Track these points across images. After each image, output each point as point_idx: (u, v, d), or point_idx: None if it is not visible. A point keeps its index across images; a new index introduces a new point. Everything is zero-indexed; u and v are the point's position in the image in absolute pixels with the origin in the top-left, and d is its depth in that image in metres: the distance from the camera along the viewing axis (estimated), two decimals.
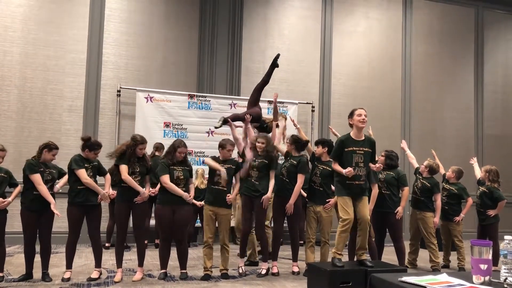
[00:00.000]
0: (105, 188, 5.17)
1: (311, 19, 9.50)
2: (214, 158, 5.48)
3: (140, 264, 5.27)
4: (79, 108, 8.02)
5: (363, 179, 4.60)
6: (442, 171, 6.50)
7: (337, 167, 4.68)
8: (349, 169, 4.48)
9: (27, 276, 5.01)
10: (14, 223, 5.09)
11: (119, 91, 8.08)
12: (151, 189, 5.68)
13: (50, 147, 5.02)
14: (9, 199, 4.91)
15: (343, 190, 4.60)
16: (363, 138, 4.67)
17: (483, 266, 2.41)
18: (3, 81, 7.68)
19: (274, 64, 6.44)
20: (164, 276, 5.24)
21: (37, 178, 4.84)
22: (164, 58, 8.54)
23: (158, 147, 7.47)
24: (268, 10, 9.24)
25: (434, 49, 10.36)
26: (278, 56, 6.50)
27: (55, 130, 7.84)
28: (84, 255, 6.49)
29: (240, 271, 5.62)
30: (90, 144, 5.11)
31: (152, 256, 6.63)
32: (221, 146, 5.47)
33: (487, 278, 2.42)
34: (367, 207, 4.70)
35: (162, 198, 5.22)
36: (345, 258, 5.23)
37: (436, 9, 10.43)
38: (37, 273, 5.06)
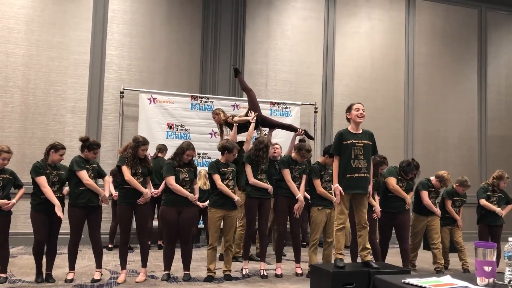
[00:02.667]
0: (105, 190, 5.18)
1: (314, 20, 9.50)
2: (216, 162, 5.47)
3: (143, 265, 5.27)
4: (82, 110, 8.04)
5: (364, 171, 4.59)
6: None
7: (336, 166, 4.69)
8: (337, 188, 4.56)
9: (39, 276, 5.02)
10: (18, 224, 5.11)
11: (122, 92, 8.10)
12: (153, 190, 5.67)
13: (57, 147, 5.03)
14: (13, 200, 4.92)
15: (343, 184, 4.59)
16: (361, 131, 4.70)
17: (487, 268, 2.40)
18: (7, 82, 7.70)
19: (236, 72, 6.95)
20: (168, 277, 5.24)
21: (42, 180, 4.86)
22: (167, 59, 8.56)
23: (161, 148, 7.48)
24: (271, 12, 9.25)
25: (437, 50, 10.34)
26: (235, 68, 7.03)
27: (58, 131, 7.86)
28: (87, 256, 6.50)
29: (244, 272, 5.62)
30: (89, 144, 5.12)
31: (155, 257, 6.64)
32: (228, 149, 5.44)
33: (491, 280, 2.41)
34: (365, 209, 4.68)
35: (167, 199, 5.21)
36: (347, 259, 5.22)
37: (439, 9, 10.42)
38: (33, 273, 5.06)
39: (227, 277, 5.36)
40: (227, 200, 5.32)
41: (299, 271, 5.72)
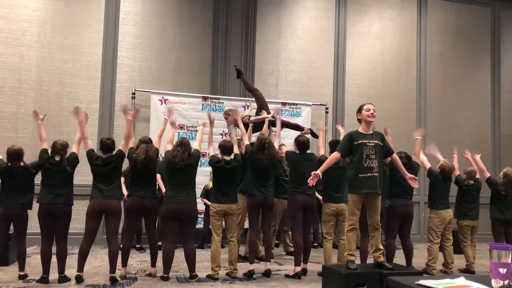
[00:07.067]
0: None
1: (325, 20, 9.47)
2: (214, 157, 5.50)
3: (153, 264, 5.31)
4: (95, 111, 8.10)
5: (376, 171, 4.56)
6: (457, 172, 6.54)
7: (331, 158, 4.74)
8: (316, 174, 4.59)
9: (44, 277, 5.03)
10: (32, 224, 5.16)
11: (133, 93, 8.15)
12: None
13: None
14: None
15: (355, 185, 4.56)
16: (372, 132, 4.69)
17: (502, 270, 2.37)
18: (20, 84, 7.80)
19: (239, 73, 7.07)
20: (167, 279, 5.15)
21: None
22: (178, 61, 8.59)
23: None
24: (281, 12, 9.23)
25: (450, 49, 10.23)
26: (237, 69, 7.17)
27: (71, 133, 7.88)
28: (99, 256, 6.54)
29: (251, 272, 5.46)
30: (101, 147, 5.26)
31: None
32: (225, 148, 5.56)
33: (506, 282, 2.37)
34: (378, 210, 4.64)
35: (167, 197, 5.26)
36: (358, 260, 5.19)
37: (452, 8, 10.31)
38: (53, 273, 5.09)
39: (237, 277, 5.33)
40: (227, 196, 5.34)
41: (298, 269, 5.51)
